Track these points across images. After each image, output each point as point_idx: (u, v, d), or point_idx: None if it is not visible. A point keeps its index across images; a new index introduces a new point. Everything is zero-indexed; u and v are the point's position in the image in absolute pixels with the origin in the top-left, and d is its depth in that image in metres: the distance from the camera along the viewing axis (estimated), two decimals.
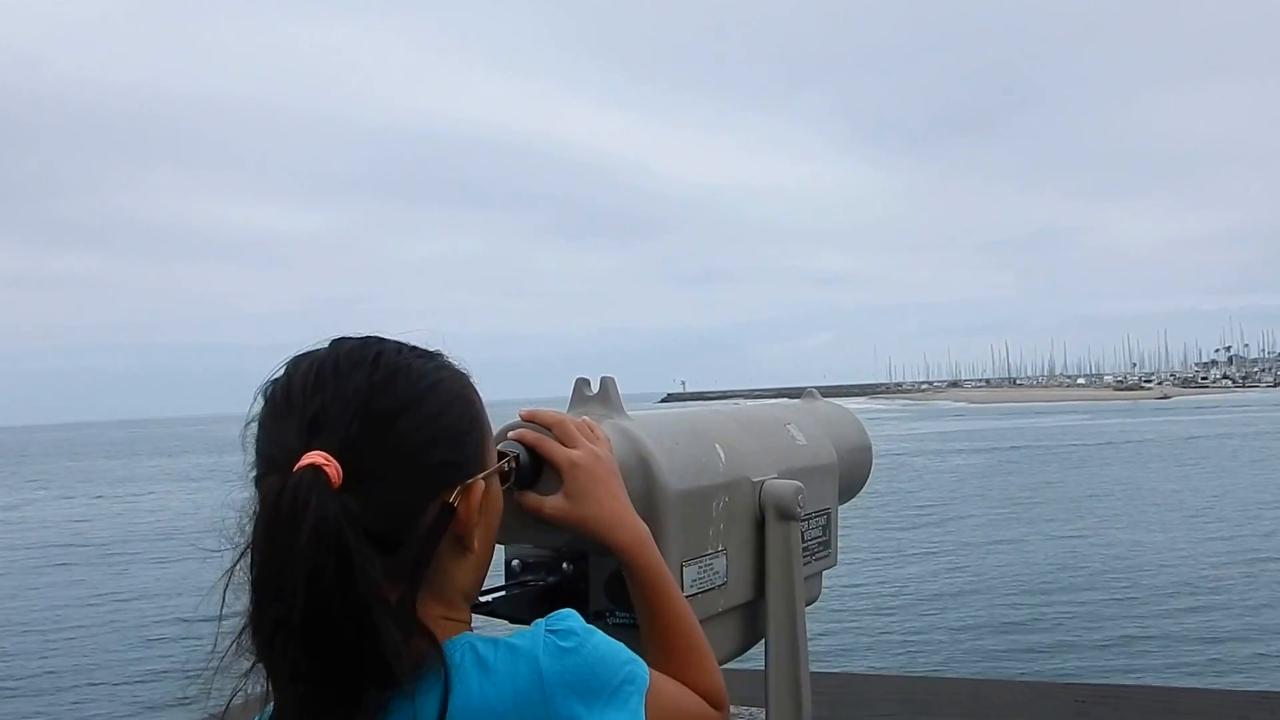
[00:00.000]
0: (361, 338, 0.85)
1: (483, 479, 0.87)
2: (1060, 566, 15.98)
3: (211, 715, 0.82)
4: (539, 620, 0.86)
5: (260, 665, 0.76)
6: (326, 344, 0.84)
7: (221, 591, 0.77)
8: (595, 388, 1.23)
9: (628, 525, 1.02)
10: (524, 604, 1.13)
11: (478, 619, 0.96)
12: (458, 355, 0.89)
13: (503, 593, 1.12)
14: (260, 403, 0.82)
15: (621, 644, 0.88)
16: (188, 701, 0.79)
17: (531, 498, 1.02)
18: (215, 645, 0.77)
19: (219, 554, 0.78)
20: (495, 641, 0.84)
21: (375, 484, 0.77)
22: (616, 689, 0.84)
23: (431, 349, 0.88)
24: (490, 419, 0.93)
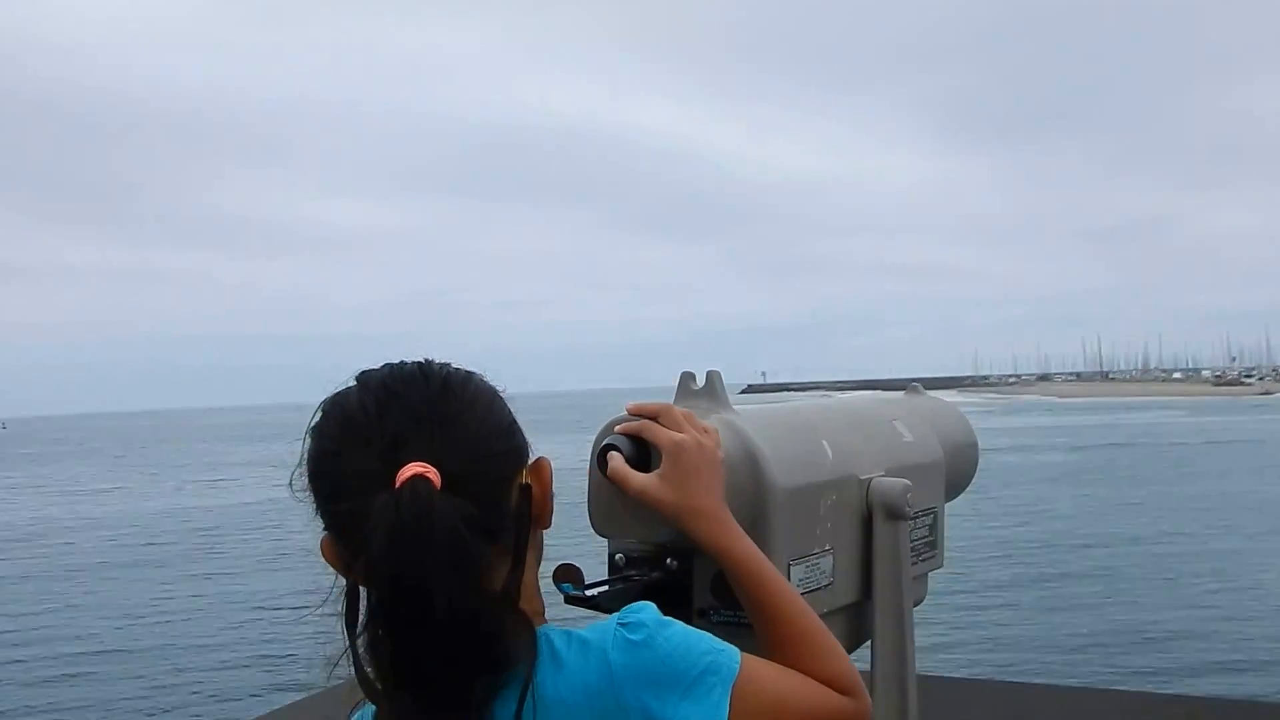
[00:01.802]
0: (386, 365, 0.89)
1: (545, 458, 0.91)
2: (1161, 574, 15.35)
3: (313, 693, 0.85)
4: (614, 614, 0.86)
5: (375, 674, 0.80)
6: (353, 382, 0.88)
7: (342, 616, 0.82)
8: (700, 381, 1.21)
9: (716, 515, 1.00)
10: (628, 598, 1.12)
11: (559, 611, 0.96)
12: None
13: (606, 587, 1.11)
14: (310, 444, 0.86)
15: (706, 635, 0.87)
16: (305, 687, 0.84)
17: (619, 466, 1.01)
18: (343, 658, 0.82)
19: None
20: (569, 634, 0.85)
21: (466, 483, 0.81)
22: (695, 680, 0.83)
23: (442, 361, 0.92)
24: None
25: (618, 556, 1.16)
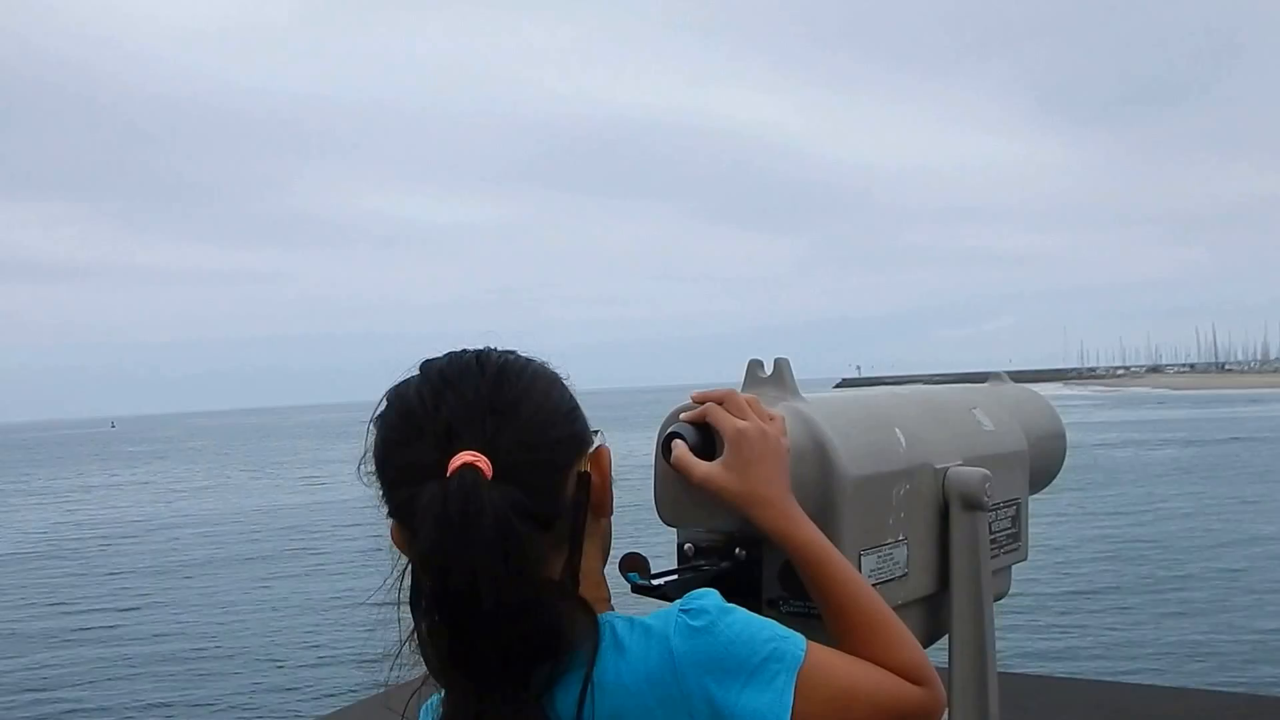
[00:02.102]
0: (447, 353, 0.90)
1: (605, 445, 0.91)
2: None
3: (386, 689, 0.87)
4: (677, 601, 0.86)
5: (435, 660, 0.81)
6: (416, 371, 0.88)
7: (397, 590, 0.84)
8: (769, 369, 1.20)
9: (779, 503, 0.98)
10: (694, 588, 1.12)
11: (628, 602, 0.96)
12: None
13: (675, 576, 1.11)
14: (373, 435, 0.87)
15: (771, 622, 0.86)
16: (368, 686, 0.87)
17: (683, 454, 1.00)
18: (400, 641, 0.83)
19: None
20: (632, 621, 0.85)
21: (520, 472, 0.82)
22: (758, 667, 0.82)
23: (506, 349, 0.92)
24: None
25: (686, 546, 1.16)
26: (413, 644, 0.82)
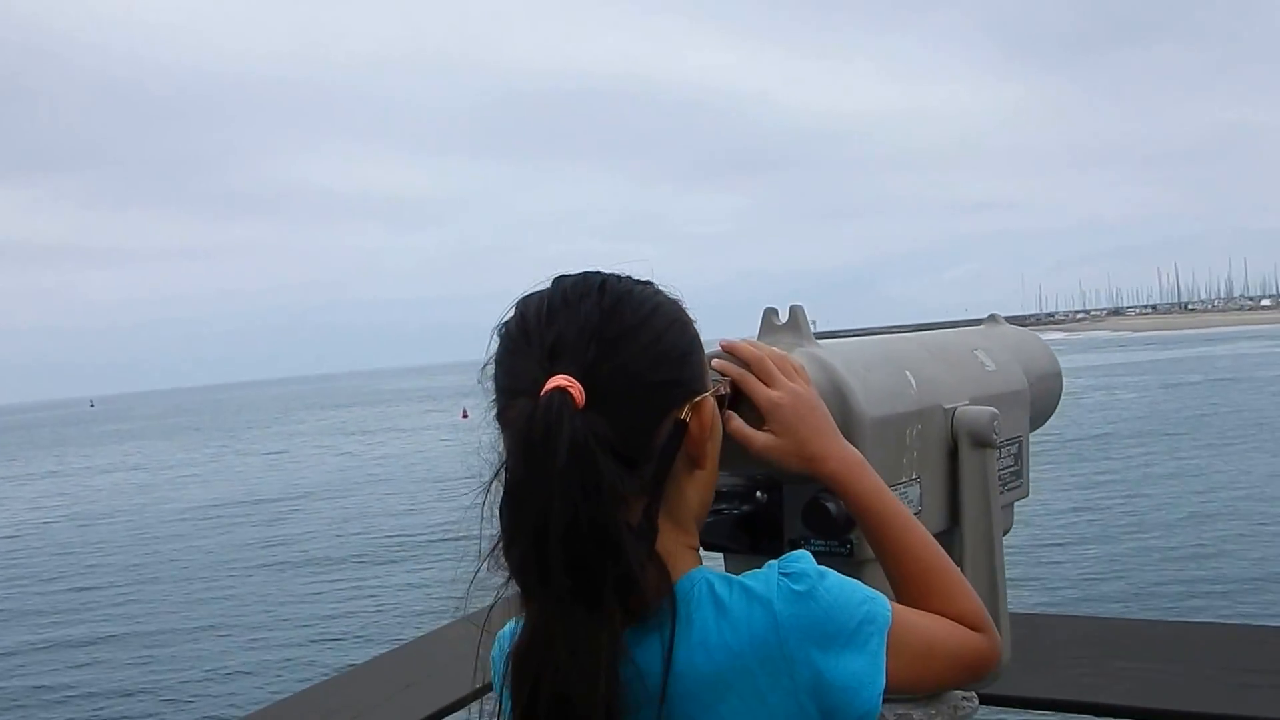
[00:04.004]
0: (581, 272, 0.89)
1: (710, 397, 0.90)
2: (1243, 511, 14.92)
3: (468, 618, 0.87)
4: (771, 561, 0.87)
5: (514, 579, 0.81)
6: (549, 283, 0.88)
7: (481, 508, 0.82)
8: (784, 316, 1.21)
9: (835, 455, 0.99)
10: (721, 531, 1.14)
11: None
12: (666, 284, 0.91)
13: None
14: (496, 342, 0.87)
15: (857, 582, 0.86)
16: (450, 611, 0.86)
17: (740, 426, 1.00)
18: (479, 560, 0.82)
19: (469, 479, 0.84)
20: (729, 581, 0.85)
21: (613, 404, 0.81)
22: (854, 631, 0.83)
23: (642, 279, 0.90)
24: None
25: None
26: (495, 560, 0.82)
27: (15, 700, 11.51)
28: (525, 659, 0.79)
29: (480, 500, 0.82)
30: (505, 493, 0.79)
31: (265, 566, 17.22)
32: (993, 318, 1.69)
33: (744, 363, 1.02)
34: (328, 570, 16.27)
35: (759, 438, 0.99)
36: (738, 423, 1.00)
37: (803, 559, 0.86)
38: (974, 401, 1.32)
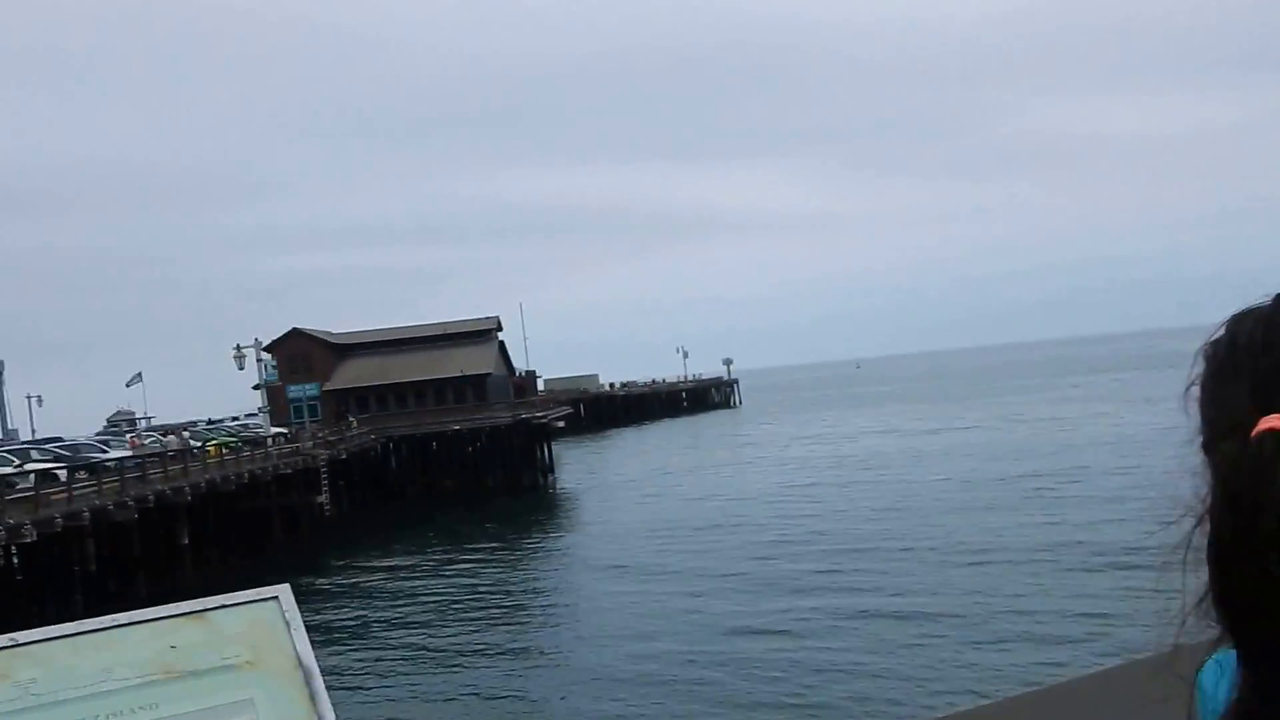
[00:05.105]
0: None
1: None
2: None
3: (1164, 657, 0.79)
4: None
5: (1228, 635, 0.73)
6: (1270, 299, 0.78)
7: (1182, 558, 0.75)
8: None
9: None
10: None
11: None
12: None
13: None
14: (1200, 364, 0.78)
15: None
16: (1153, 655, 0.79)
17: None
18: (1181, 610, 0.76)
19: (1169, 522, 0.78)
20: None
21: None
22: None
23: None
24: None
25: None
26: (1203, 610, 0.73)
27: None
28: None
29: (1184, 545, 0.74)
30: (1209, 544, 0.71)
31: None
32: None
33: None
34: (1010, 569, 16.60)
35: None
36: None
37: None
38: None
